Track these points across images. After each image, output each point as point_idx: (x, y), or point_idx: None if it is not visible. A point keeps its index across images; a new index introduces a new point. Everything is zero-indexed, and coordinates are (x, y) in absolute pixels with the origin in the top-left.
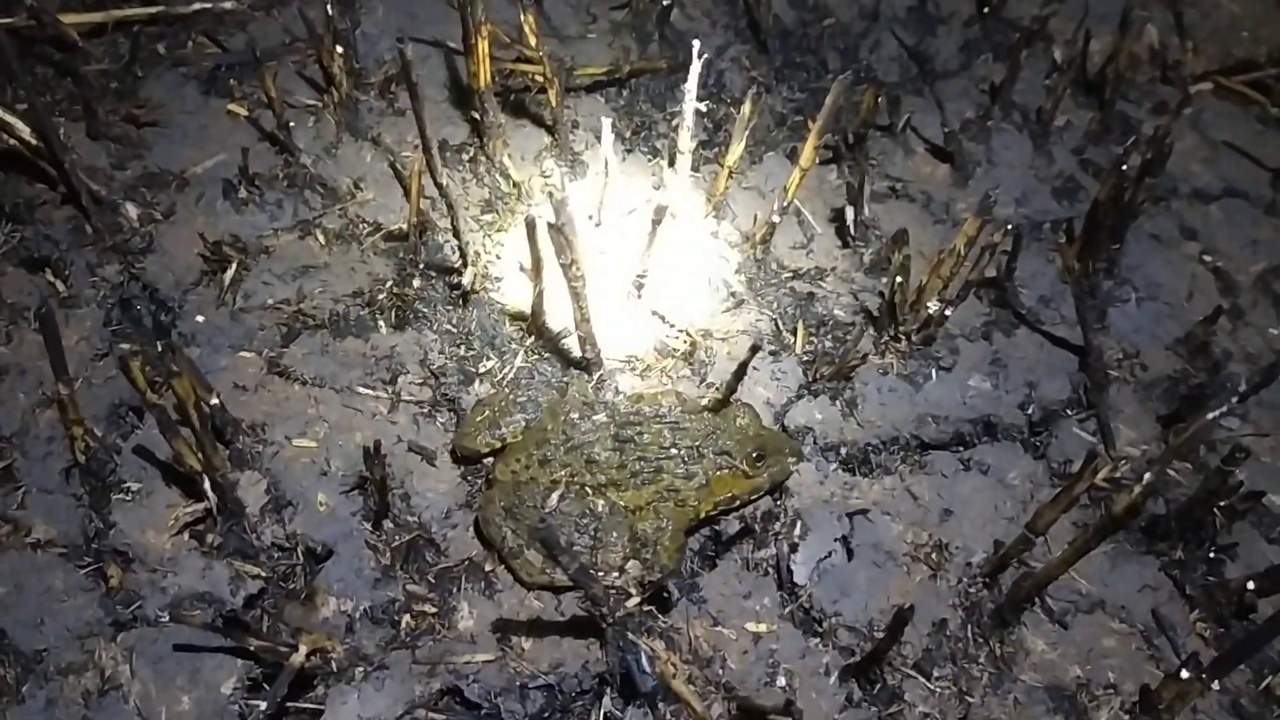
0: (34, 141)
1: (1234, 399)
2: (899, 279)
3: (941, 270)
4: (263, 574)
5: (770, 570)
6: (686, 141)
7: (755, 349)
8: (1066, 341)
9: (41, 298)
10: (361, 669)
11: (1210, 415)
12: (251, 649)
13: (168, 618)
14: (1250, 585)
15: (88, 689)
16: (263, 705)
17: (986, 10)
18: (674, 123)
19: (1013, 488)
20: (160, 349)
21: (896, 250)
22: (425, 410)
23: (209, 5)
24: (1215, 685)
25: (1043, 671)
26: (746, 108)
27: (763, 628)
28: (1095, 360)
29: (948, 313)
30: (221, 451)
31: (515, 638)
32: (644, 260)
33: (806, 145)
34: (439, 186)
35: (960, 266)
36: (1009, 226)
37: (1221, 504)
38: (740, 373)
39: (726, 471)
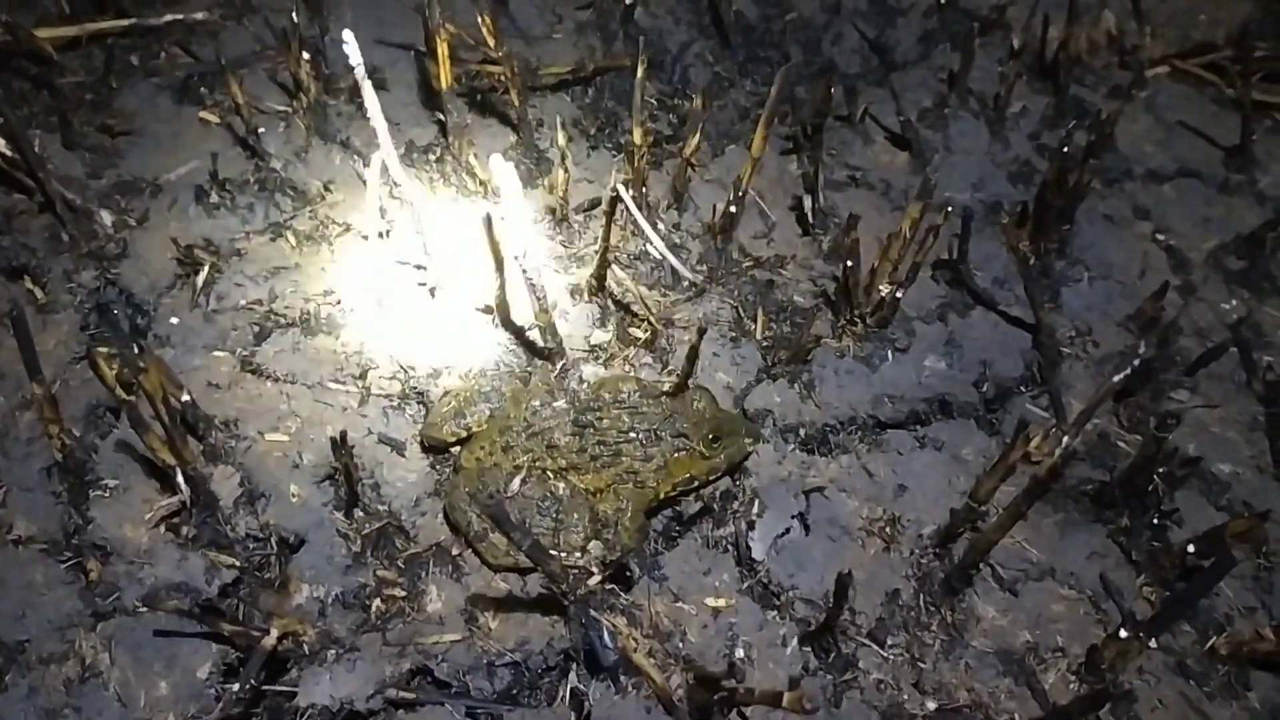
0: (10, 154)
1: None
2: (849, 263)
3: (890, 254)
4: (237, 563)
5: (729, 548)
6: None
7: (702, 332)
8: (1020, 320)
9: (14, 302)
10: (333, 651)
11: (1116, 378)
12: (226, 634)
13: (145, 607)
14: (1190, 549)
15: (69, 677)
16: (237, 688)
17: (944, 1)
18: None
19: (966, 463)
20: (135, 350)
21: (846, 235)
22: (394, 403)
23: (180, 16)
24: (1153, 643)
25: (993, 637)
26: (697, 101)
27: (722, 603)
28: (1047, 338)
29: (898, 295)
30: (195, 446)
31: (482, 618)
32: (602, 250)
33: (756, 134)
34: (396, 195)
35: (907, 249)
36: (948, 209)
37: (1161, 471)
38: (692, 356)
39: (684, 454)
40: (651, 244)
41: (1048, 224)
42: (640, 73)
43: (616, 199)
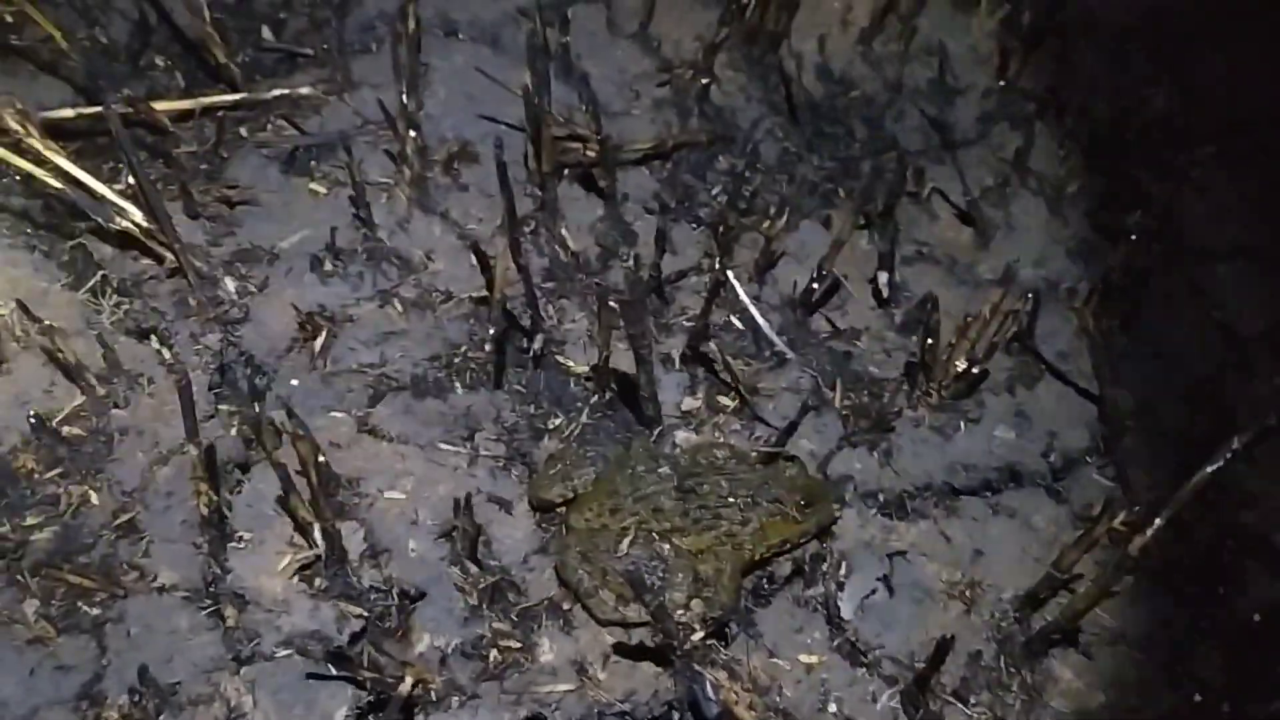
0: (146, 224)
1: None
2: (929, 340)
3: (969, 333)
4: (364, 613)
5: (819, 607)
6: None
7: (805, 409)
8: (1087, 392)
9: (182, 373)
10: (457, 698)
11: (1209, 468)
12: (361, 680)
13: (284, 652)
14: (1256, 618)
15: (216, 717)
16: None
17: (1003, 83)
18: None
19: (1038, 530)
20: (259, 412)
21: (926, 314)
22: (501, 464)
23: (287, 91)
24: (1226, 708)
25: (1070, 698)
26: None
27: (814, 659)
28: (1112, 410)
29: (977, 370)
30: (324, 503)
31: (592, 669)
32: (699, 323)
33: (840, 218)
34: (519, 266)
35: (985, 330)
36: (1029, 295)
37: (1229, 544)
38: (790, 429)
39: (778, 518)
40: (758, 322)
41: (1113, 302)
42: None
43: (722, 281)
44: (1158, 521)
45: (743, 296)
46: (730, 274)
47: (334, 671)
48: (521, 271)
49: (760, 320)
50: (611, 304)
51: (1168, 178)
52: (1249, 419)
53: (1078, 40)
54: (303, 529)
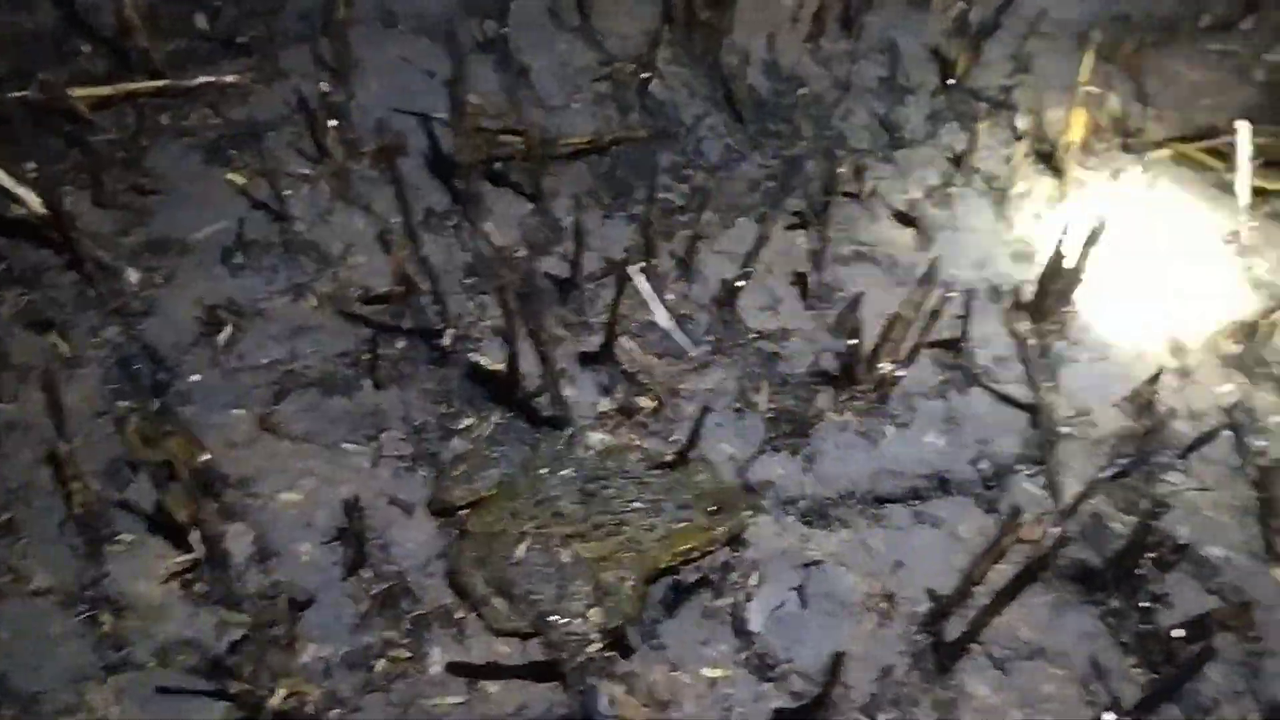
0: (43, 210)
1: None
2: (851, 341)
3: (893, 334)
4: (246, 621)
5: (727, 618)
6: None
7: (705, 411)
8: (1016, 401)
9: (45, 362)
10: (337, 711)
11: (1106, 474)
12: (232, 693)
13: (155, 662)
14: (1176, 633)
15: None
16: None
17: (952, 82)
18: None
19: (964, 540)
20: (157, 407)
21: (850, 314)
22: (407, 465)
23: (212, 79)
24: None
25: (983, 715)
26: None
27: (718, 673)
28: (1045, 418)
29: (899, 374)
30: (210, 505)
31: (483, 681)
32: (610, 322)
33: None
34: (420, 260)
35: (908, 331)
36: (948, 296)
37: (1152, 555)
38: (694, 432)
39: (685, 524)
40: (658, 320)
41: (1047, 306)
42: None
43: (626, 277)
44: (1057, 530)
45: (644, 293)
46: (634, 270)
47: (203, 684)
48: (423, 265)
49: (661, 316)
50: (508, 301)
51: (1117, 180)
52: (1186, 427)
53: (1028, 40)
54: (180, 532)
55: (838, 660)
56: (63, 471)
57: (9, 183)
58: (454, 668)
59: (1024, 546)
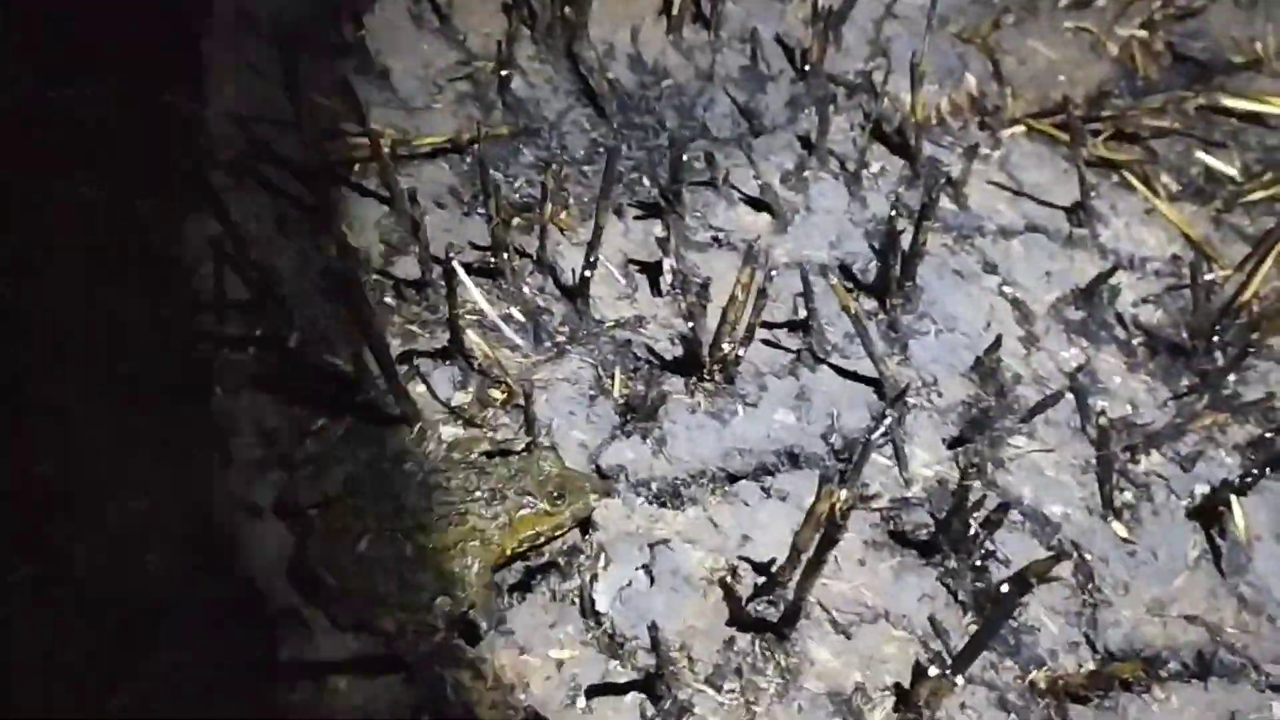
0: None
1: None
2: (690, 324)
3: (729, 315)
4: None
5: (575, 600)
6: None
7: (528, 396)
8: (864, 375)
9: None
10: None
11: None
12: None
13: None
14: (1004, 587)
15: None
16: None
17: (809, 68)
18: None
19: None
20: None
21: (696, 297)
22: (257, 469)
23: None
24: (960, 679)
25: (825, 679)
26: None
27: (566, 654)
28: (890, 390)
29: (740, 353)
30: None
31: (331, 677)
32: (451, 316)
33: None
34: (256, 265)
35: (742, 311)
36: (772, 272)
37: (977, 515)
38: (530, 420)
39: (528, 510)
40: (485, 313)
41: (889, 281)
42: None
43: (451, 272)
44: (844, 495)
45: (468, 286)
46: (456, 264)
47: None
48: (258, 270)
49: (488, 309)
50: (339, 299)
51: (971, 158)
52: (1032, 392)
53: (884, 23)
54: (21, 547)
55: (653, 633)
56: None
57: None
58: (301, 666)
59: (870, 515)
